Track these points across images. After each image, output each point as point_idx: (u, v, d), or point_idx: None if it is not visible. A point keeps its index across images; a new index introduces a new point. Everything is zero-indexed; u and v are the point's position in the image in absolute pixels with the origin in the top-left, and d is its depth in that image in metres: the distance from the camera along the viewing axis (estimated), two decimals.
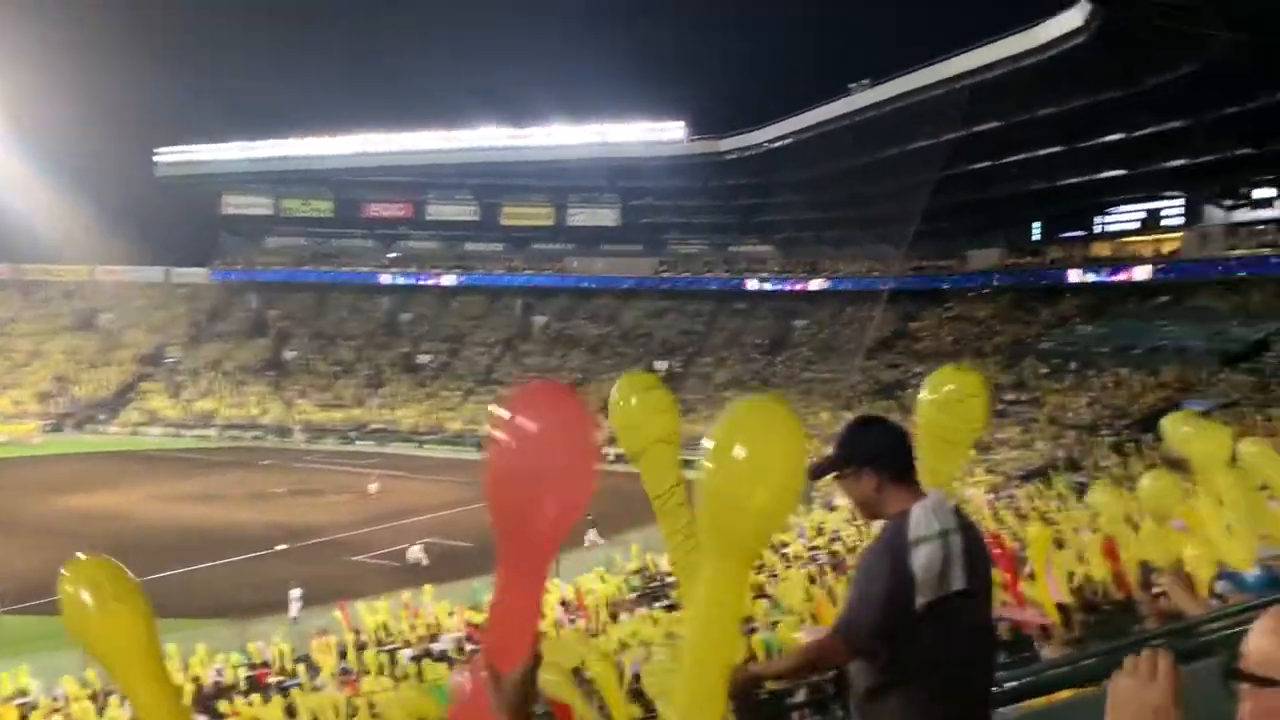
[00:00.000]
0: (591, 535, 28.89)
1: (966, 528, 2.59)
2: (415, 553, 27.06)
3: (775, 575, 20.64)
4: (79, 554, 2.98)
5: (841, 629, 2.61)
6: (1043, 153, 44.98)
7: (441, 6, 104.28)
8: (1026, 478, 33.98)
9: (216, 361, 70.44)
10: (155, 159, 74.82)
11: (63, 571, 2.90)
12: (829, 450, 2.82)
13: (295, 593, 22.34)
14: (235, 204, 76.39)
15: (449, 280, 74.39)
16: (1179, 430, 5.84)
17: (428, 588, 22.12)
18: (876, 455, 2.69)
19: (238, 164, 73.22)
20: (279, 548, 28.36)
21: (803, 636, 8.10)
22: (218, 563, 26.67)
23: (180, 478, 43.47)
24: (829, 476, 2.82)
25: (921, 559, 2.45)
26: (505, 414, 1.89)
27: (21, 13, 70.26)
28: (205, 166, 74.12)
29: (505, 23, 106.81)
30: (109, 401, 65.06)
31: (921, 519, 2.51)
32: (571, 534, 1.99)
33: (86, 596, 2.82)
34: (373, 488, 39.18)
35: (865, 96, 46.76)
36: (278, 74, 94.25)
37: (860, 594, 2.60)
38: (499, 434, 1.88)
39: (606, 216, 72.18)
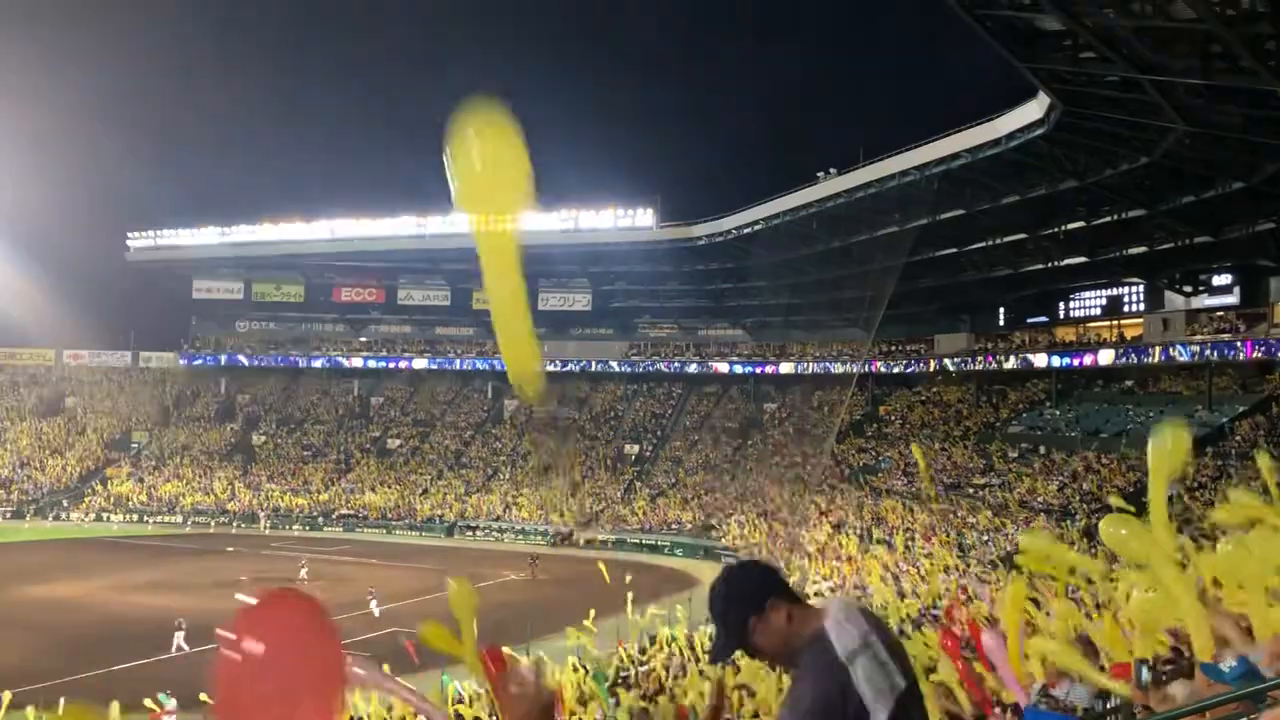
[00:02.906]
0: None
1: (872, 620, 2.47)
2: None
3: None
4: None
5: None
6: (1006, 240, 45.87)
7: (412, 93, 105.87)
8: (999, 562, 33.91)
9: (184, 446, 69.64)
10: (128, 243, 74.76)
11: None
12: (718, 628, 2.58)
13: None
14: (206, 288, 76.24)
15: (420, 364, 74.28)
16: (1114, 533, 5.85)
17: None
18: (766, 587, 2.50)
19: (210, 248, 73.27)
20: None
21: None
22: (177, 654, 25.95)
23: (143, 566, 42.60)
24: (738, 651, 2.55)
25: (862, 675, 2.31)
26: (240, 633, 1.79)
27: None
28: (177, 251, 74.11)
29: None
30: (73, 487, 63.99)
31: (842, 634, 2.37)
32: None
33: None
34: (303, 573, 38.55)
35: (833, 184, 47.61)
36: (251, 159, 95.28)
37: None
38: (233, 653, 1.78)
39: (578, 301, 72.58)
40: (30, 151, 72.59)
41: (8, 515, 58.92)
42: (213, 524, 58.80)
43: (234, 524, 58.96)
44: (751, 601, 2.49)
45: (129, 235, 75.00)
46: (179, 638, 25.95)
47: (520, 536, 55.89)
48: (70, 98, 76.07)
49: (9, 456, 65.90)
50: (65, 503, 62.13)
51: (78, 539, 52.05)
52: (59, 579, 38.20)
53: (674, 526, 54.55)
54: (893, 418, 58.80)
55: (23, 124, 72.34)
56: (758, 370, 66.86)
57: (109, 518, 59.92)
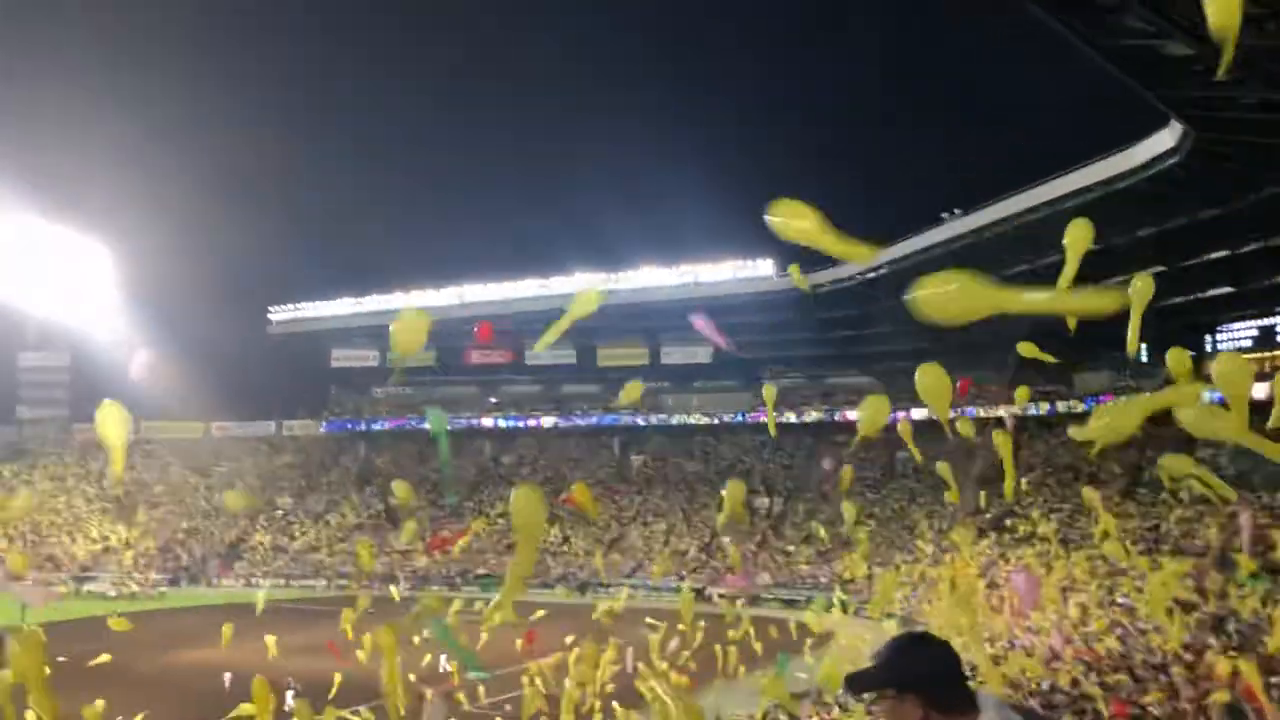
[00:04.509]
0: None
1: (1021, 712, 2.40)
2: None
3: None
4: None
5: None
6: (1145, 273, 44.12)
7: (536, 160, 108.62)
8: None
9: (325, 511, 71.81)
10: (268, 316, 78.34)
11: None
12: (872, 664, 2.54)
13: None
14: (343, 357, 79.06)
15: (548, 422, 75.24)
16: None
17: None
18: (923, 680, 2.40)
19: (346, 319, 76.19)
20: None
21: None
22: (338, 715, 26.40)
23: (289, 630, 43.75)
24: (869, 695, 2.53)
25: None
26: None
27: (138, 181, 75.36)
28: (315, 322, 77.28)
29: (596, 172, 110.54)
30: (222, 554, 66.55)
31: None
32: None
33: None
34: (426, 633, 38.40)
35: (959, 224, 46.77)
36: (381, 231, 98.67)
37: None
38: None
39: (700, 354, 72.63)
40: (176, 233, 76.94)
41: (164, 582, 61.51)
42: (355, 586, 60.21)
43: (375, 586, 60.24)
44: (896, 678, 2.42)
45: (269, 309, 78.64)
46: (288, 697, 26.41)
47: (652, 594, 55.55)
48: (208, 182, 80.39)
49: (162, 526, 69.06)
50: (216, 569, 64.62)
51: (227, 604, 53.93)
52: (207, 644, 39.52)
53: (808, 580, 53.56)
54: (1034, 461, 56.67)
55: (170, 208, 76.66)
56: (889, 418, 65.35)
57: (256, 582, 61.99)
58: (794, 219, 5.20)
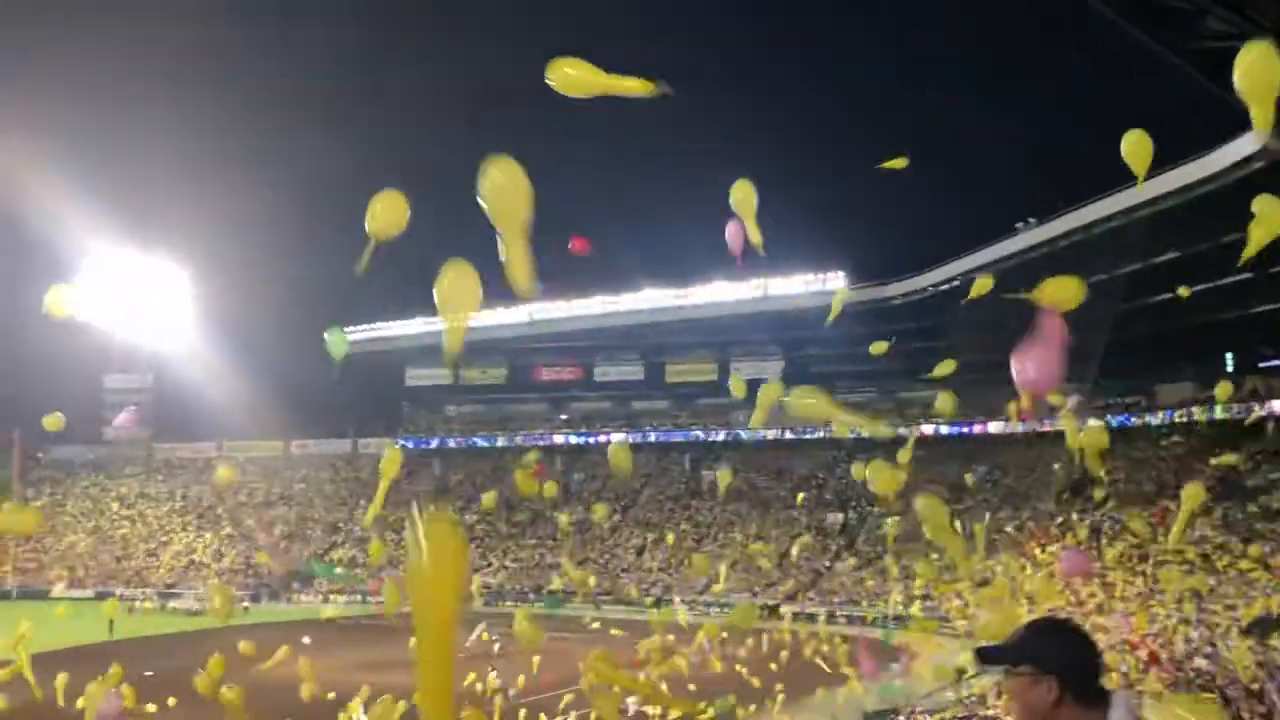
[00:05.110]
0: None
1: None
2: None
3: None
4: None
5: None
6: (1230, 280, 42.91)
7: (603, 174, 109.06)
8: (1247, 631, 31.07)
9: (402, 528, 72.72)
10: (345, 336, 79.79)
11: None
12: (1008, 640, 2.51)
13: None
14: (417, 376, 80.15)
15: (618, 438, 75.28)
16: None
17: None
18: (1064, 664, 2.36)
19: (419, 338, 77.15)
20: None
21: None
22: None
23: (367, 645, 44.35)
24: (999, 671, 2.52)
25: None
26: None
27: (215, 206, 77.28)
28: (390, 342, 78.46)
29: (664, 186, 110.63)
30: (302, 570, 67.74)
31: None
32: None
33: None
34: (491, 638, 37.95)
35: (1033, 234, 45.98)
36: (451, 252, 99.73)
37: None
38: None
39: (770, 369, 72.22)
40: (254, 257, 78.80)
41: (248, 598, 62.79)
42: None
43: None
44: (1039, 658, 2.38)
45: (346, 329, 79.98)
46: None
47: (725, 610, 55.18)
48: (283, 204, 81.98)
49: (244, 543, 70.55)
50: (296, 585, 65.77)
51: (306, 620, 54.80)
52: (292, 659, 40.20)
53: (881, 596, 52.80)
54: (1115, 476, 55.26)
55: (247, 232, 78.40)
56: (964, 431, 64.42)
57: (335, 599, 62.96)
58: (581, 74, 5.42)
